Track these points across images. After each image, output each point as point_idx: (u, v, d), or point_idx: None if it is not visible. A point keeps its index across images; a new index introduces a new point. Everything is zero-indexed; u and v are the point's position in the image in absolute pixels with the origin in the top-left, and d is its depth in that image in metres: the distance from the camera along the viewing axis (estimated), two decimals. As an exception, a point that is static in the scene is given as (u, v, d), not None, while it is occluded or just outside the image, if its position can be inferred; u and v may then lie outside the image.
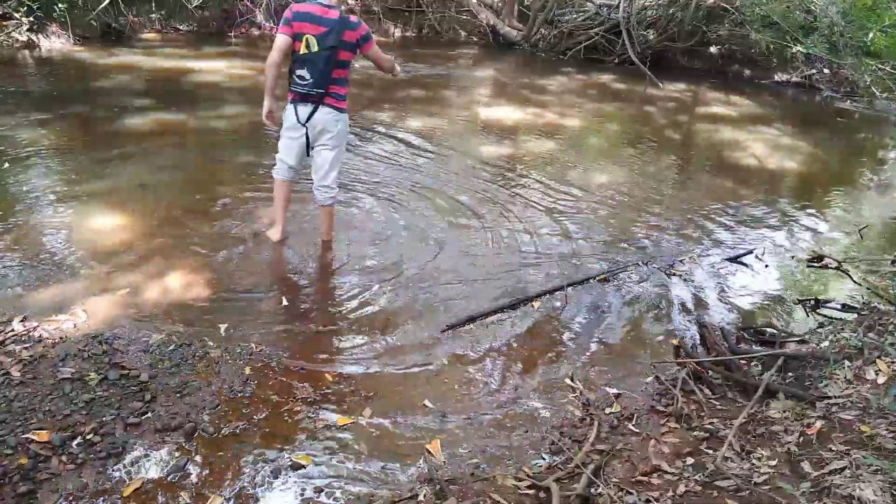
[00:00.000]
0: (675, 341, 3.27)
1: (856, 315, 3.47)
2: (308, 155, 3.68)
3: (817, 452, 2.21)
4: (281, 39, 3.33)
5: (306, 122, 3.50)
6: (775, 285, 4.07)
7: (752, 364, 3.07)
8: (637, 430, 2.55)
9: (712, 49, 11.96)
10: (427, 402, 2.69)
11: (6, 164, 4.61)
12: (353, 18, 3.42)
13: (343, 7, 3.50)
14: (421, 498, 2.16)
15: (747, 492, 2.05)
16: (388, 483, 2.25)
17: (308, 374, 2.78)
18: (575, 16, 12.19)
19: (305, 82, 3.38)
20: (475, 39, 13.11)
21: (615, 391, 2.85)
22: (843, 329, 3.15)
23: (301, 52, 3.33)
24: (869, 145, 8.90)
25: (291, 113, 3.52)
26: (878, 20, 9.71)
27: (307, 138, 3.57)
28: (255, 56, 9.43)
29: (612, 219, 4.82)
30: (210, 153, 5.38)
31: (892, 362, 2.63)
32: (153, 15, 10.28)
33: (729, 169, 6.63)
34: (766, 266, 4.30)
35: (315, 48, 3.31)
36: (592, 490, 2.14)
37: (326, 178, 3.69)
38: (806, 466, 2.15)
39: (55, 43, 8.75)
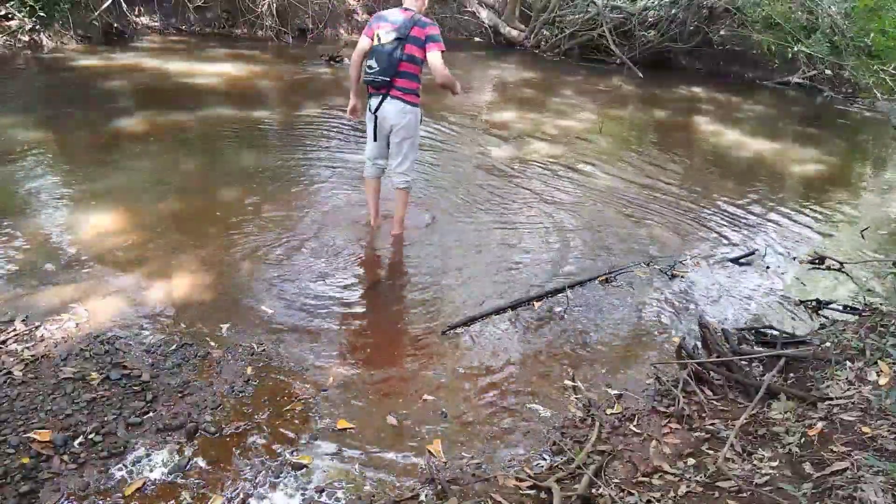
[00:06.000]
0: (676, 341, 3.27)
1: (857, 316, 3.47)
2: (375, 140, 3.91)
3: (819, 453, 2.21)
4: (362, 41, 3.72)
5: (376, 111, 3.77)
6: (777, 286, 4.07)
7: (754, 365, 3.07)
8: (638, 431, 2.55)
9: (713, 50, 11.96)
10: (428, 403, 2.69)
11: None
12: (426, 19, 3.67)
13: (422, 12, 3.73)
14: (422, 498, 2.16)
15: (748, 493, 2.05)
16: (389, 483, 2.25)
17: (309, 374, 2.78)
18: (576, 16, 12.19)
19: (373, 70, 3.65)
20: (477, 40, 13.12)
21: (616, 392, 2.85)
22: (844, 330, 3.15)
23: (373, 45, 3.66)
24: (870, 146, 8.89)
25: (368, 105, 3.83)
26: (880, 21, 9.71)
27: (375, 127, 3.84)
28: (258, 59, 9.45)
29: (614, 219, 4.82)
30: (211, 154, 5.39)
31: (894, 363, 2.63)
32: (155, 15, 10.29)
33: (730, 170, 6.63)
34: (768, 267, 4.30)
35: (384, 40, 3.61)
36: (594, 491, 2.14)
37: (401, 167, 3.94)
38: (807, 467, 2.15)
39: (57, 43, 8.76)
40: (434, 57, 3.60)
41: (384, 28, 3.62)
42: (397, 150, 3.90)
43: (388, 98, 3.72)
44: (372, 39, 3.66)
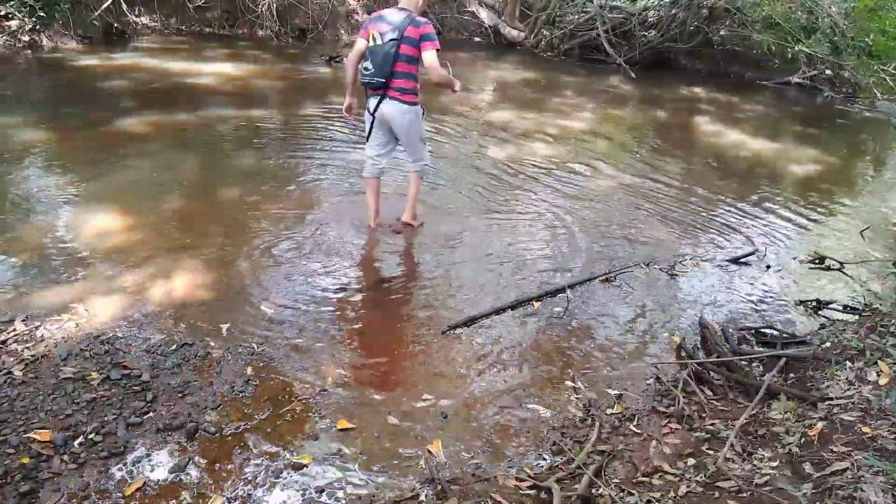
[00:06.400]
0: (676, 341, 3.27)
1: (857, 316, 3.47)
2: (368, 140, 3.98)
3: (819, 454, 2.21)
4: (358, 42, 3.75)
5: (374, 111, 3.81)
6: (777, 286, 4.07)
7: (754, 365, 3.07)
8: (638, 431, 2.55)
9: (713, 50, 11.96)
10: (428, 403, 2.69)
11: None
12: (421, 19, 3.67)
13: (418, 11, 3.73)
14: (422, 498, 2.16)
15: (748, 493, 2.05)
16: (389, 483, 2.25)
17: (309, 374, 2.78)
18: (576, 16, 12.20)
19: (368, 72, 3.69)
20: (477, 40, 13.12)
21: (616, 392, 2.85)
22: (844, 330, 3.15)
23: (368, 46, 3.68)
24: (870, 146, 8.89)
25: (367, 105, 3.88)
26: (880, 22, 9.72)
27: (372, 126, 3.90)
28: (258, 59, 9.45)
29: (614, 219, 4.82)
30: (211, 154, 5.39)
31: (894, 364, 2.63)
32: (155, 16, 10.29)
33: (730, 170, 6.63)
34: (768, 267, 4.30)
35: (378, 41, 3.63)
36: (594, 491, 2.14)
37: (412, 157, 4.09)
38: (807, 468, 2.15)
39: (57, 43, 8.76)
40: (429, 56, 3.62)
41: (379, 29, 3.63)
42: (404, 147, 4.02)
43: (386, 99, 3.75)
44: (367, 41, 3.67)
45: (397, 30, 3.59)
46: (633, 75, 10.70)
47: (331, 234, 4.07)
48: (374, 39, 3.64)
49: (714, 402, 2.75)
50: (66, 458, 2.19)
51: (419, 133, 3.97)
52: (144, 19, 10.22)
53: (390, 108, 3.76)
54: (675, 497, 2.09)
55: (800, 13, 10.69)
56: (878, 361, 2.66)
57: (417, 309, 3.41)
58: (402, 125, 3.82)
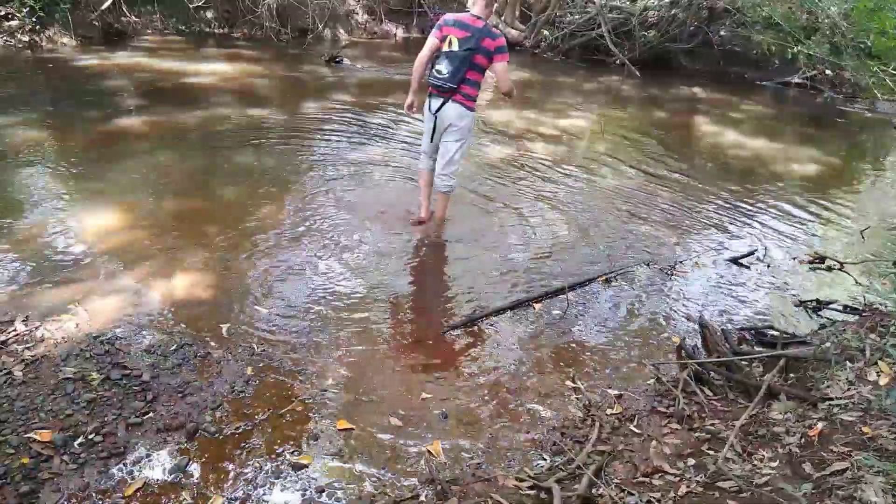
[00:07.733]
0: (676, 341, 3.27)
1: (857, 316, 3.47)
2: (431, 141, 4.06)
3: (819, 454, 2.21)
4: (431, 41, 3.83)
5: (436, 112, 3.90)
6: (777, 286, 4.07)
7: (754, 365, 3.07)
8: (638, 431, 2.55)
9: (713, 50, 11.95)
10: (428, 403, 2.69)
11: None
12: (496, 31, 3.81)
13: (489, 22, 3.82)
14: (422, 498, 2.16)
15: (748, 493, 2.05)
16: (389, 483, 2.25)
17: (309, 374, 2.79)
18: (577, 17, 12.20)
19: (441, 76, 3.78)
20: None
21: (616, 392, 2.85)
22: (844, 330, 3.14)
23: (444, 50, 3.77)
24: (870, 147, 8.89)
25: (427, 104, 3.97)
26: (880, 22, 9.70)
27: (434, 127, 3.97)
28: (258, 59, 9.44)
29: (614, 219, 4.82)
30: (211, 154, 5.39)
31: (894, 364, 2.63)
32: (155, 16, 10.29)
33: (730, 170, 6.63)
34: (768, 267, 4.30)
35: (456, 47, 3.72)
36: (594, 491, 2.14)
37: (446, 169, 4.08)
38: (807, 468, 2.15)
39: (56, 43, 8.76)
40: (502, 68, 3.77)
41: (457, 35, 3.71)
42: (447, 151, 4.02)
43: (451, 102, 3.84)
44: (441, 42, 3.75)
45: (475, 38, 3.67)
46: (637, 75, 10.71)
47: (331, 234, 4.07)
48: (451, 44, 3.72)
49: (714, 402, 2.74)
50: (66, 458, 2.19)
51: (468, 140, 4.06)
52: (144, 19, 10.21)
53: (453, 111, 3.86)
54: (675, 497, 2.09)
55: (799, 13, 10.68)
56: (878, 361, 2.66)
57: (417, 309, 3.41)
58: (458, 126, 3.92)
